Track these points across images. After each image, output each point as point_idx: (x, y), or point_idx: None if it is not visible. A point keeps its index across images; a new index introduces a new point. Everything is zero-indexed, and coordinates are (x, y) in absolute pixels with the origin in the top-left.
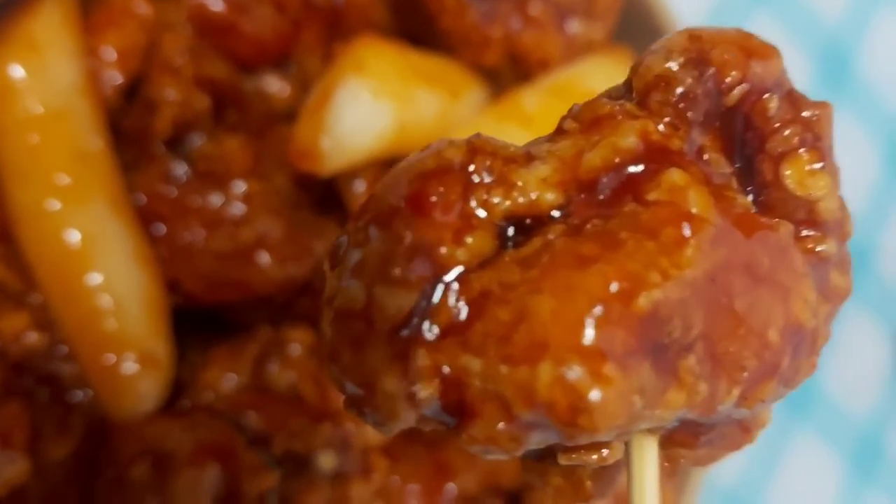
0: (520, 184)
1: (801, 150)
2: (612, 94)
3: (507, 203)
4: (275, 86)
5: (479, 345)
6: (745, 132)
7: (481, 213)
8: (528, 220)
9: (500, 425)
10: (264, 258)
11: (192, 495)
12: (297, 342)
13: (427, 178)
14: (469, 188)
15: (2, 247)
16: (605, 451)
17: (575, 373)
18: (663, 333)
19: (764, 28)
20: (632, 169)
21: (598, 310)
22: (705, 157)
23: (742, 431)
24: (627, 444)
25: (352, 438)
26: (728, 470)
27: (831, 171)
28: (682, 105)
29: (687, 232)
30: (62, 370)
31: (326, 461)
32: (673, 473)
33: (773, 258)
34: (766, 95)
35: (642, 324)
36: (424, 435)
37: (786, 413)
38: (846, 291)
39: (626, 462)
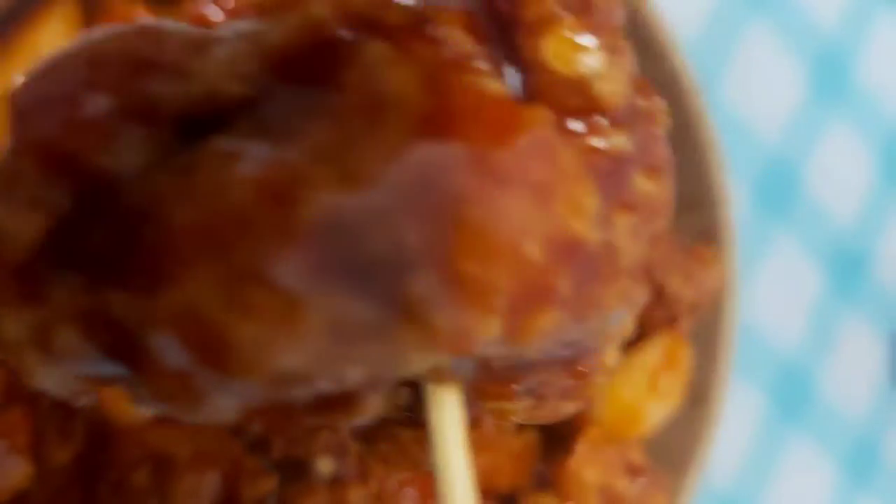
0: (195, 72)
1: (564, 17)
2: None
3: (178, 99)
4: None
5: (124, 275)
6: (500, 4)
7: (143, 112)
8: (204, 120)
9: (167, 376)
10: None
11: (192, 499)
12: None
13: (74, 71)
14: (129, 81)
15: None
16: (356, 404)
17: (214, 299)
18: (359, 250)
19: (762, 35)
20: (330, 45)
21: (247, 221)
22: (436, 32)
23: (574, 377)
24: (426, 399)
25: (349, 444)
26: (722, 472)
27: (610, 46)
28: None
29: (382, 121)
30: None
31: (324, 466)
32: (505, 430)
33: (521, 154)
34: None
35: (316, 237)
36: (421, 442)
37: (780, 416)
38: (660, 200)
39: (426, 421)
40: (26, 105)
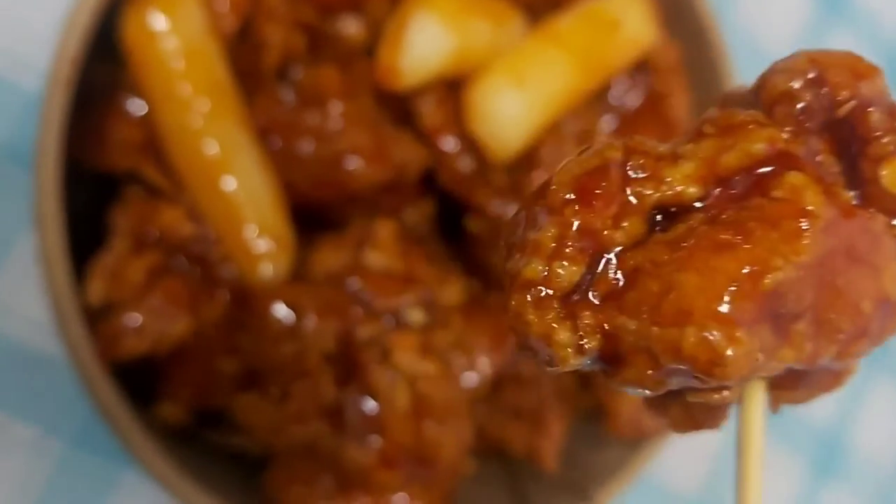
0: (668, 179)
1: None
2: (740, 101)
3: (657, 195)
4: (352, 27)
5: (633, 309)
6: (852, 139)
7: (635, 202)
8: (673, 209)
9: (649, 372)
10: (356, 163)
11: (320, 338)
12: (386, 230)
13: (592, 175)
14: (626, 182)
15: (155, 160)
16: (724, 393)
17: (714, 336)
18: (781, 305)
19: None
20: (760, 169)
21: (733, 287)
22: (819, 159)
23: (834, 378)
24: (743, 388)
25: (435, 299)
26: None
27: None
28: (801, 117)
29: (804, 225)
30: (210, 252)
31: (416, 315)
32: (774, 410)
33: (868, 243)
34: (870, 109)
35: (766, 298)
36: (491, 302)
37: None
38: None
39: (739, 402)
40: (564, 194)
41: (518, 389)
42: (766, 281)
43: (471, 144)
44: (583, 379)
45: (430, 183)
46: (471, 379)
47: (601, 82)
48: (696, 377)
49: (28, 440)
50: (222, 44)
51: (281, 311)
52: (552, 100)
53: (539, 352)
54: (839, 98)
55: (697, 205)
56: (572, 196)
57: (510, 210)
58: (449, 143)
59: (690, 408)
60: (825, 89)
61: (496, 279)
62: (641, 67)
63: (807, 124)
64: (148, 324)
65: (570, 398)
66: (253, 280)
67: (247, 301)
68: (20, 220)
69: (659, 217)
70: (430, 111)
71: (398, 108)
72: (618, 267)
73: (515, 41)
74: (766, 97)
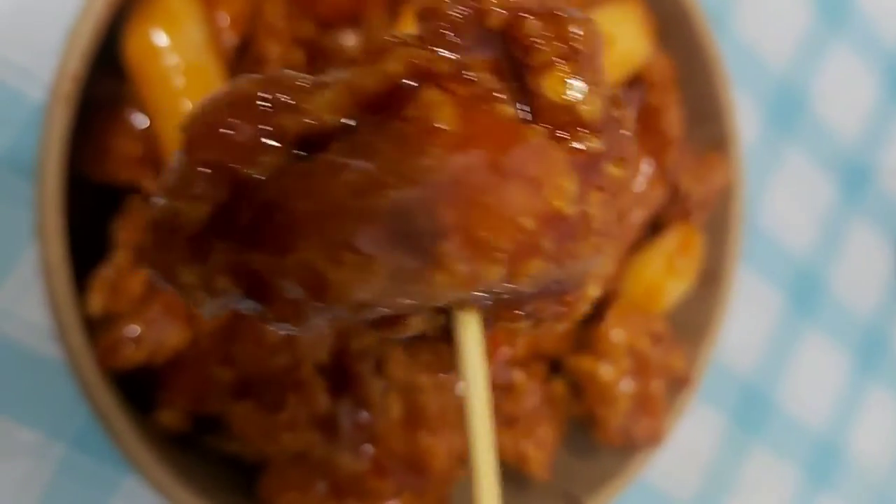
0: (307, 108)
1: (558, 62)
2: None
3: (296, 126)
4: (350, 41)
5: (262, 243)
6: (514, 51)
7: (274, 136)
8: (316, 142)
9: (282, 304)
10: None
11: (314, 350)
12: None
13: (223, 110)
14: (263, 115)
15: (156, 173)
16: (405, 323)
17: (317, 259)
18: (409, 226)
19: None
20: (400, 90)
21: (343, 210)
22: (470, 75)
23: (563, 305)
24: (453, 321)
25: None
26: (742, 362)
27: (591, 79)
28: (449, 32)
29: (428, 141)
30: None
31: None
32: (513, 342)
33: (522, 158)
34: (527, 17)
35: (383, 218)
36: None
37: (795, 310)
38: (625, 178)
39: (454, 338)
40: (194, 131)
41: (509, 398)
42: (379, 200)
43: None
44: (573, 388)
45: None
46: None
47: None
48: (319, 305)
49: (30, 444)
50: (222, 59)
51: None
52: None
53: (179, 295)
54: (486, 9)
55: (342, 132)
56: (203, 131)
57: None
58: None
59: (436, 349)
60: (471, 2)
61: None
62: (635, 81)
63: (458, 40)
64: (146, 334)
65: (561, 407)
66: None
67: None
68: (25, 227)
69: (303, 150)
70: None
71: None
72: (251, 202)
73: None
74: (417, 16)
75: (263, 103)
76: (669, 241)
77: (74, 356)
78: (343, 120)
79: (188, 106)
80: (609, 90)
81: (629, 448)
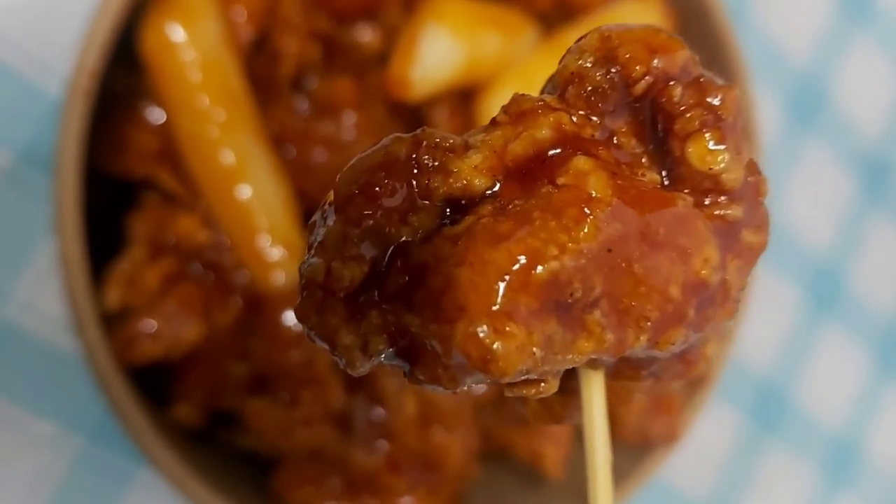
0: (455, 170)
1: (704, 130)
2: (542, 90)
3: (444, 188)
4: (367, 35)
5: (418, 307)
6: (657, 117)
7: (423, 196)
8: (463, 202)
9: (440, 370)
10: None
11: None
12: None
13: (376, 170)
14: (413, 176)
15: (172, 167)
16: (542, 386)
17: (482, 331)
18: (565, 295)
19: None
20: (549, 155)
21: (504, 279)
22: (616, 141)
23: (684, 364)
24: (580, 379)
25: None
26: (760, 358)
27: (733, 147)
28: (593, 98)
29: (586, 211)
30: (224, 259)
31: None
32: (628, 401)
33: (670, 226)
34: (672, 84)
35: (544, 289)
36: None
37: (814, 308)
38: (760, 246)
39: (580, 394)
40: (346, 191)
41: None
42: (540, 272)
43: None
44: None
45: None
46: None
47: None
48: (479, 374)
49: (47, 436)
50: (238, 54)
51: (291, 318)
52: None
53: (331, 354)
54: (633, 75)
55: (488, 196)
56: (356, 192)
57: None
58: None
59: (546, 401)
60: (616, 67)
61: None
62: None
63: (601, 105)
64: (162, 329)
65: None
66: (265, 287)
67: (259, 308)
68: (42, 220)
69: (449, 211)
70: (442, 121)
71: (410, 115)
72: (405, 264)
73: (526, 52)
74: (559, 80)
75: (413, 164)
76: None
77: (91, 351)
78: (490, 183)
79: (205, 101)
80: (747, 156)
81: (645, 446)
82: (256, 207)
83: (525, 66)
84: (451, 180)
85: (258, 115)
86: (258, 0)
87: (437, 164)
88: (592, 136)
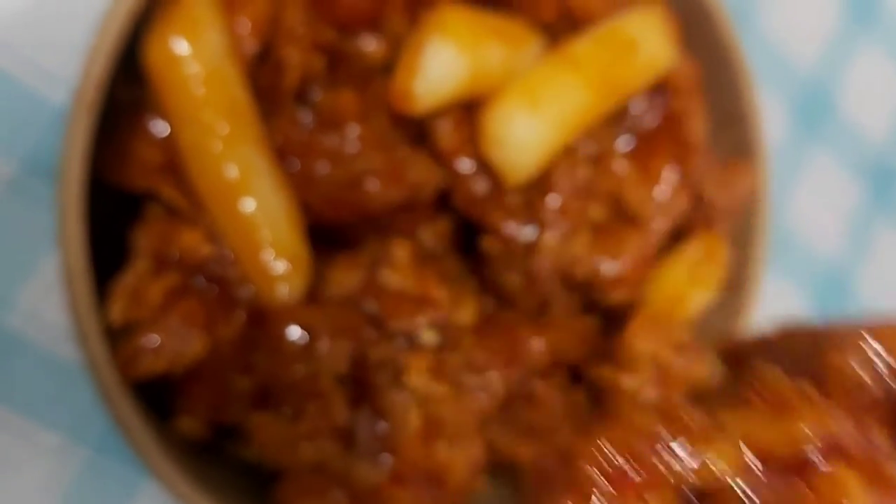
0: (705, 456)
1: None
2: (788, 368)
3: (692, 474)
4: (371, 45)
5: None
6: None
7: (667, 477)
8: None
9: None
10: (372, 184)
11: (333, 360)
12: (402, 251)
13: (623, 443)
14: (657, 456)
15: (175, 181)
16: None
17: None
18: None
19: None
20: (808, 454)
21: None
22: (871, 436)
23: None
24: None
25: (450, 320)
26: None
27: None
28: (857, 395)
29: None
30: (228, 273)
31: (429, 336)
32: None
33: None
34: None
35: None
36: (503, 320)
37: (824, 318)
38: None
39: None
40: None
41: (530, 407)
42: None
43: (486, 166)
44: (594, 397)
45: (446, 201)
46: (483, 398)
47: (618, 104)
48: None
49: (52, 446)
50: (242, 67)
51: (295, 332)
52: (566, 123)
53: None
54: None
55: (735, 485)
56: (605, 464)
57: (523, 232)
58: (465, 165)
59: None
60: (883, 365)
61: (508, 298)
62: (659, 87)
63: (860, 398)
64: (166, 344)
65: (582, 416)
66: (269, 301)
67: (262, 321)
68: (45, 229)
69: (691, 496)
70: (446, 133)
71: (414, 127)
72: None
73: (531, 64)
74: (832, 381)
75: (660, 443)
76: (693, 250)
77: (95, 365)
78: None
79: (208, 114)
80: None
81: None
82: (260, 221)
83: (528, 78)
84: (699, 466)
85: (262, 127)
86: (262, 11)
87: (685, 447)
88: (850, 435)
